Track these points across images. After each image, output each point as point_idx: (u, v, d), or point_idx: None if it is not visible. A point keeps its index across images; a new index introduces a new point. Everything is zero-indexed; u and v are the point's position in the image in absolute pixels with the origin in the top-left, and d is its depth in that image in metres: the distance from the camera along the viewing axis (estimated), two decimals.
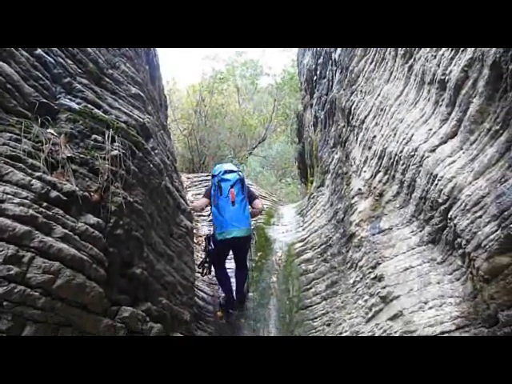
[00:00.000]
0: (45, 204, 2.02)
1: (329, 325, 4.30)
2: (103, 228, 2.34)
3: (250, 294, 5.24)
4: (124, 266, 2.52)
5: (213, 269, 4.78)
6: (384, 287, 3.36)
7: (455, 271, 2.82)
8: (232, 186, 4.33)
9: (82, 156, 2.41)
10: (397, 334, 3.13)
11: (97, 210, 2.34)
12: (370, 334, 3.55)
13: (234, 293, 4.75)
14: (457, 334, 2.73)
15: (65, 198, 2.14)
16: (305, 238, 5.45)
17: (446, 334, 2.79)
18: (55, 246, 1.95)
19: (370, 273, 3.65)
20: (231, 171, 4.50)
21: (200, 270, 4.67)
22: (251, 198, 4.72)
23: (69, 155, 2.32)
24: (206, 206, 4.71)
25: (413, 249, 3.25)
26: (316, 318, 4.53)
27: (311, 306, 4.68)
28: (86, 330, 2.12)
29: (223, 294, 4.82)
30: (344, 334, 3.97)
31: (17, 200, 1.89)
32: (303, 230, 5.68)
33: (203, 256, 4.86)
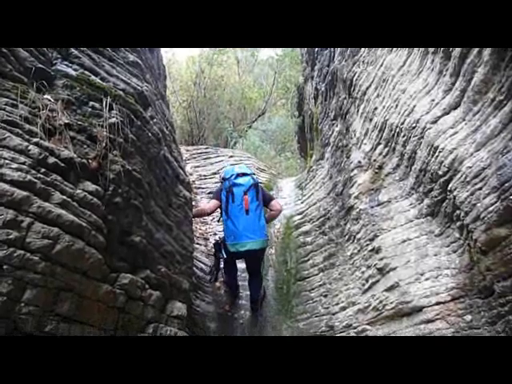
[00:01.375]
0: (43, 170, 2.00)
1: (325, 296, 4.38)
2: (102, 196, 2.33)
3: None
4: (123, 233, 2.53)
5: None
6: (381, 259, 3.39)
7: (452, 243, 2.84)
8: (246, 192, 3.90)
9: (79, 123, 2.38)
10: (393, 305, 3.19)
11: (95, 178, 2.33)
12: (366, 304, 3.61)
13: (249, 302, 4.57)
14: (452, 304, 2.78)
15: (63, 165, 2.12)
16: (303, 211, 5.47)
17: (441, 305, 2.85)
18: (54, 211, 1.94)
19: (367, 245, 3.67)
20: (244, 174, 4.06)
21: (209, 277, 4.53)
22: (267, 200, 4.27)
23: (66, 122, 2.29)
24: (216, 208, 4.23)
25: (411, 221, 3.26)
26: (313, 289, 4.60)
27: (308, 277, 4.75)
28: (86, 296, 2.15)
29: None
30: (340, 305, 4.05)
31: (14, 165, 1.88)
32: (302, 203, 5.69)
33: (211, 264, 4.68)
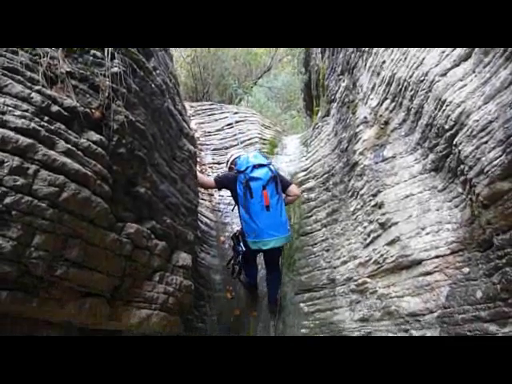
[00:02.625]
0: (46, 118, 2.00)
1: (328, 250, 4.47)
2: (106, 146, 2.34)
3: None
4: (128, 184, 2.56)
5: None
6: (383, 214, 3.43)
7: (455, 198, 2.85)
8: (264, 187, 3.55)
9: (81, 72, 2.34)
10: (393, 258, 3.26)
11: (99, 128, 2.33)
12: (367, 258, 3.69)
13: (267, 297, 4.44)
14: (451, 257, 2.84)
15: (66, 114, 2.12)
16: (308, 168, 5.46)
17: (441, 258, 2.90)
18: (59, 159, 1.96)
19: (370, 200, 3.70)
20: (261, 165, 3.67)
21: (230, 269, 4.34)
22: (284, 186, 3.93)
23: (68, 70, 2.26)
24: (211, 188, 4.21)
25: (414, 177, 3.26)
26: (316, 244, 4.69)
27: (311, 232, 4.83)
28: (93, 243, 2.21)
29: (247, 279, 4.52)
30: (342, 259, 4.14)
31: (18, 112, 1.88)
32: (306, 159, 5.67)
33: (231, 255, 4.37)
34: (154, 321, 2.67)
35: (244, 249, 3.85)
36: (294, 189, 4.08)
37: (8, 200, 1.77)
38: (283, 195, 3.87)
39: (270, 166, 3.73)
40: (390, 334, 3.34)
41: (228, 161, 4.29)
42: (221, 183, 3.97)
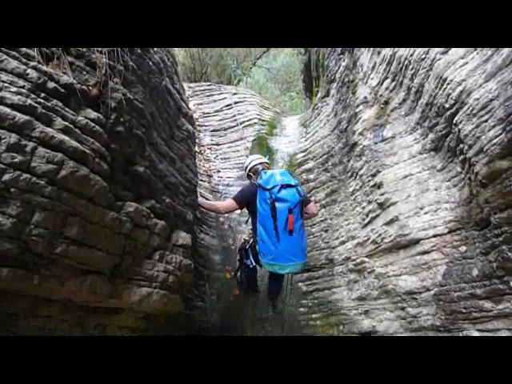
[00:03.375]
0: (43, 95, 1.97)
1: (326, 231, 4.49)
2: (104, 124, 2.32)
3: None
4: (126, 163, 2.55)
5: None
6: (382, 194, 3.43)
7: (453, 178, 2.85)
8: (291, 210, 3.21)
9: (77, 48, 2.30)
10: (391, 238, 3.28)
11: (96, 106, 2.30)
12: (365, 238, 3.71)
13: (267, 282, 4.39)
14: (448, 236, 2.86)
15: (63, 91, 2.09)
16: (307, 149, 5.45)
17: (438, 237, 2.93)
18: (57, 137, 1.94)
19: (369, 181, 3.70)
20: (289, 186, 3.31)
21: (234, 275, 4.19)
22: (305, 203, 3.55)
23: None
24: (231, 211, 3.76)
25: (414, 157, 3.26)
26: (314, 225, 4.71)
27: None
28: (93, 221, 2.21)
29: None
30: (340, 239, 4.16)
31: (14, 89, 1.85)
32: (306, 140, 5.65)
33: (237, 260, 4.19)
34: (154, 299, 2.70)
35: (254, 264, 3.62)
36: (313, 207, 3.72)
37: (6, 177, 1.76)
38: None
39: (299, 188, 3.40)
40: (387, 312, 3.39)
41: (247, 167, 3.92)
42: (243, 202, 3.57)
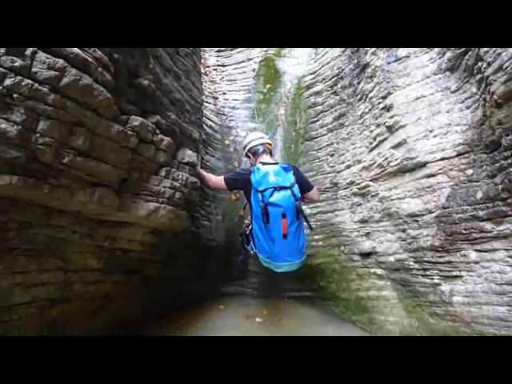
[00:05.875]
0: None
1: (332, 155, 4.47)
2: None
3: (258, 124, 5.31)
4: (130, 75, 2.46)
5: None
6: (392, 117, 3.35)
7: (467, 99, 2.76)
8: (284, 215, 2.96)
9: None
10: (397, 161, 3.26)
11: None
12: (371, 162, 3.70)
13: None
14: (456, 159, 2.83)
15: None
16: (316, 71, 5.23)
17: (445, 160, 2.90)
18: None
19: (379, 103, 3.60)
20: (283, 188, 3.01)
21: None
22: (305, 189, 3.36)
23: None
24: (221, 189, 3.65)
25: (428, 77, 3.13)
26: (320, 149, 4.68)
27: (317, 137, 4.79)
28: (98, 133, 2.19)
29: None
30: (346, 163, 4.15)
31: None
32: (315, 62, 5.41)
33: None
34: (161, 213, 2.77)
35: (255, 250, 3.39)
36: (314, 195, 3.53)
37: (8, 82, 1.71)
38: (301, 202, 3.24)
39: (294, 189, 3.06)
40: (388, 234, 3.48)
41: (245, 147, 3.61)
42: (233, 185, 3.40)
